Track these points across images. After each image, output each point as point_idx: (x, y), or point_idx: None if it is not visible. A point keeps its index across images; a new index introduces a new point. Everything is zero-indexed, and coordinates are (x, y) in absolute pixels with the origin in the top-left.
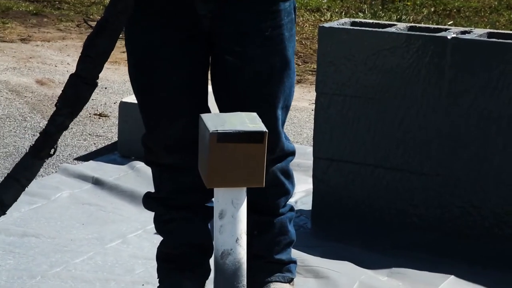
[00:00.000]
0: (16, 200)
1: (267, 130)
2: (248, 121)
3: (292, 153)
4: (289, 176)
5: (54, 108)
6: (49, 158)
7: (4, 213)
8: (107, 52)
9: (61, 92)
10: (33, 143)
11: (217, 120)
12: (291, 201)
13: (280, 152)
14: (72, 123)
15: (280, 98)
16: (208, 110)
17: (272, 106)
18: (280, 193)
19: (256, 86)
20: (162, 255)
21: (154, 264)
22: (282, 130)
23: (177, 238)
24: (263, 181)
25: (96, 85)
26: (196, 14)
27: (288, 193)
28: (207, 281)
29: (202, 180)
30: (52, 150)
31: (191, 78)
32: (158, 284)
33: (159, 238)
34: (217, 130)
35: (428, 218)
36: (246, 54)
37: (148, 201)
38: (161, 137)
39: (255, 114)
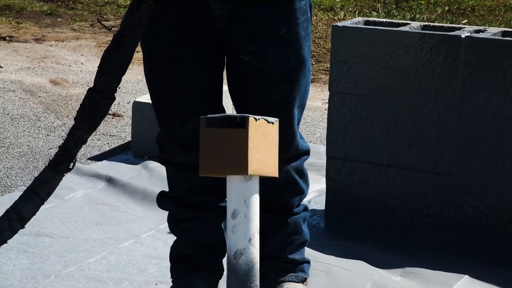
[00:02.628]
0: (35, 214)
1: (251, 116)
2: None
3: (307, 152)
4: (303, 175)
5: (67, 107)
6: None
7: (22, 227)
8: (124, 65)
9: (79, 106)
10: (52, 157)
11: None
12: (305, 200)
13: (295, 151)
14: None
15: (296, 97)
16: (222, 110)
17: (287, 105)
18: (294, 192)
19: (272, 85)
20: (175, 255)
21: (167, 263)
22: (297, 129)
23: (190, 238)
24: (247, 169)
25: (114, 98)
26: (210, 14)
27: (302, 193)
28: (220, 281)
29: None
30: (71, 164)
31: (205, 78)
32: (171, 284)
33: (172, 238)
34: (206, 116)
35: (442, 217)
36: (261, 54)
37: (162, 200)
38: (175, 136)
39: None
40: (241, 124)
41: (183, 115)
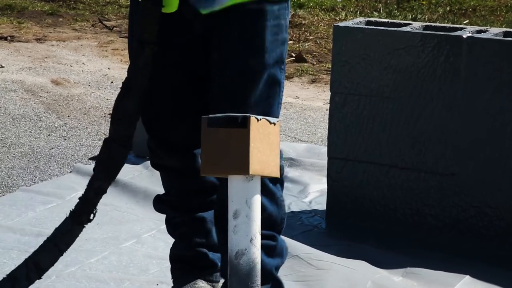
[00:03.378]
0: (53, 265)
1: (253, 115)
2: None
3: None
4: (266, 191)
5: (69, 107)
6: (64, 158)
7: (39, 277)
8: (136, 112)
9: (97, 156)
10: (73, 208)
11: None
12: (306, 202)
13: None
14: (87, 123)
15: (251, 103)
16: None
17: (242, 110)
18: None
19: (229, 84)
20: (175, 257)
21: (168, 263)
22: None
23: (189, 241)
24: (249, 169)
25: (130, 146)
26: (186, 20)
27: (262, 210)
28: (221, 281)
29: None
30: (92, 215)
31: (192, 82)
32: (172, 284)
33: (173, 238)
34: (208, 116)
35: (444, 218)
36: (225, 50)
37: (158, 203)
38: (162, 140)
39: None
40: (242, 124)
41: (167, 120)
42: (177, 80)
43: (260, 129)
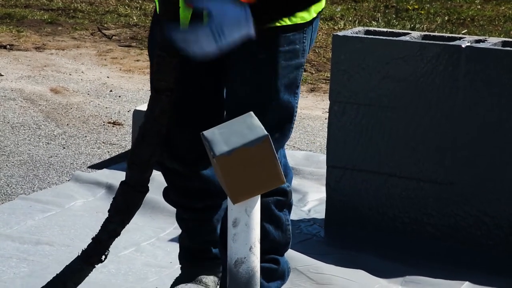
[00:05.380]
0: None
1: (266, 133)
2: (247, 129)
3: (282, 193)
4: (272, 219)
5: (68, 116)
6: (63, 167)
7: None
8: (151, 157)
9: (112, 199)
10: (85, 248)
11: (218, 137)
12: (305, 209)
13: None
14: (86, 131)
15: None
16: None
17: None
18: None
19: (240, 105)
20: (182, 245)
21: (167, 272)
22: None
23: (194, 236)
24: (283, 178)
25: (146, 191)
26: None
27: (264, 236)
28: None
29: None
30: (104, 257)
31: (195, 94)
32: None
33: (172, 246)
34: (221, 153)
35: (442, 227)
36: (236, 74)
37: (166, 197)
38: (170, 146)
39: (251, 115)
40: (262, 145)
41: (177, 128)
42: (180, 91)
43: (244, 154)
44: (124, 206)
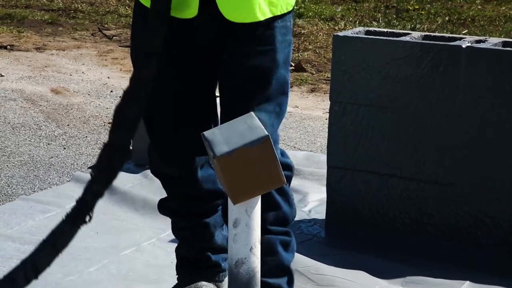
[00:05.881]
0: (50, 266)
1: (267, 133)
2: (247, 129)
3: (287, 168)
4: (282, 192)
5: (68, 116)
6: (63, 167)
7: (36, 278)
8: (135, 120)
9: (96, 161)
10: (69, 210)
11: (218, 137)
12: (305, 210)
13: None
14: (86, 132)
15: (266, 98)
16: (214, 123)
17: (258, 106)
18: (267, 204)
19: (243, 84)
20: (180, 256)
21: (168, 272)
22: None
23: (192, 244)
24: (283, 178)
25: (129, 153)
26: (194, 31)
27: (277, 208)
28: (225, 280)
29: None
30: (88, 217)
31: (193, 90)
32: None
33: (172, 247)
34: (221, 153)
35: (442, 227)
36: (237, 51)
37: (162, 208)
38: (163, 148)
39: (251, 115)
40: (262, 145)
41: (170, 126)
42: (179, 88)
43: (245, 156)
44: (108, 167)
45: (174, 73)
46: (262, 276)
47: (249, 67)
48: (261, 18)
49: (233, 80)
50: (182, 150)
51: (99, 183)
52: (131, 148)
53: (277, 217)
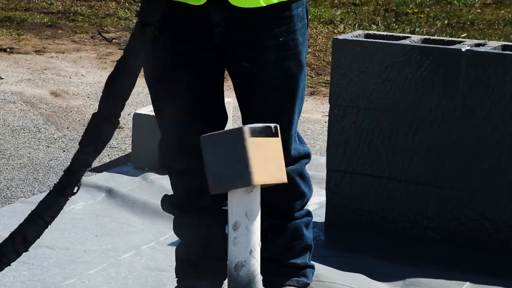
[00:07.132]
0: (39, 237)
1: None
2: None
3: (306, 156)
4: (304, 178)
5: (68, 119)
6: (63, 170)
7: (26, 250)
8: (127, 90)
9: (84, 130)
10: (57, 181)
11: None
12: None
13: (293, 155)
14: None
15: (294, 102)
16: (224, 117)
17: (286, 110)
18: (295, 195)
19: (272, 90)
20: (180, 256)
21: (167, 275)
22: (295, 134)
23: (193, 243)
24: (285, 176)
25: (118, 123)
26: (208, 25)
27: (303, 196)
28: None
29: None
30: (76, 188)
31: (203, 86)
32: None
33: (172, 250)
34: (248, 126)
35: (442, 230)
36: (260, 59)
37: (165, 204)
38: (175, 143)
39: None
40: (275, 134)
41: (183, 121)
42: (189, 83)
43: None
44: (97, 137)
45: (188, 65)
46: (290, 259)
47: (275, 75)
48: (263, 3)
49: (259, 85)
50: (192, 143)
51: (87, 153)
52: (130, 149)
53: (302, 203)
